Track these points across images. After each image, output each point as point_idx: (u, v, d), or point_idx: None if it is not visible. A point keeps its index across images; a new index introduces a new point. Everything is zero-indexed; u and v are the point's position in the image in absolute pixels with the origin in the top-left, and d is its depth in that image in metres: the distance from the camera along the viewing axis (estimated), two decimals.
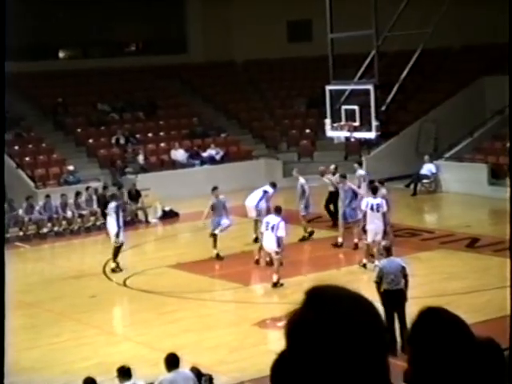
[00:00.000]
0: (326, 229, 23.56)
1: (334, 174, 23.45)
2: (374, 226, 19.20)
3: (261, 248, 19.63)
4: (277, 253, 18.58)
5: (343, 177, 22.23)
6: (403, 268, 14.16)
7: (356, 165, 25.20)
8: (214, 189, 21.54)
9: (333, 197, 23.33)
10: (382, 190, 20.62)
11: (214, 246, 20.99)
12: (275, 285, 18.41)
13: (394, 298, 13.74)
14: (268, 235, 18.55)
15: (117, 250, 20.64)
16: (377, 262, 16.82)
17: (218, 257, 21.04)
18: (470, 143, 31.03)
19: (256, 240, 21.21)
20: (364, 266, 19.35)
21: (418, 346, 2.45)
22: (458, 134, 31.04)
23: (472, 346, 2.46)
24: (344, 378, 2.05)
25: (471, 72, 33.95)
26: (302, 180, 22.80)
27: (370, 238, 19.34)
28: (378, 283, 14.05)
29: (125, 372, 11.19)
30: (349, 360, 2.05)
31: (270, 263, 19.25)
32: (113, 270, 20.48)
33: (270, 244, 18.62)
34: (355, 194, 21.63)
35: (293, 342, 2.10)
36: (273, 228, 18.34)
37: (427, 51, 25.00)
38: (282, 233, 18.37)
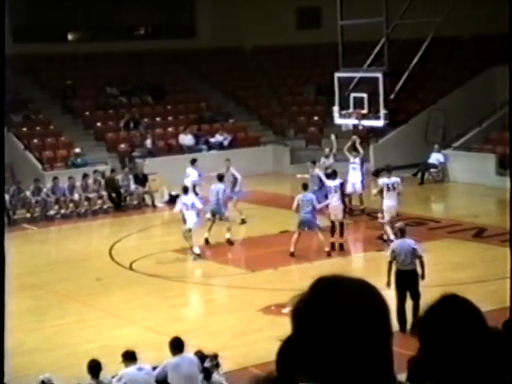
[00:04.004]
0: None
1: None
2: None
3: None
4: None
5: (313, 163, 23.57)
6: (414, 249, 14.47)
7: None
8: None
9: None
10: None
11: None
12: (342, 247, 19.92)
13: (406, 277, 14.26)
14: (334, 200, 19.96)
15: None
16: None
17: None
18: (478, 133, 30.92)
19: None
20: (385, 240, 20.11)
21: (431, 332, 2.44)
22: (466, 124, 30.95)
23: (485, 336, 2.46)
24: (348, 363, 2.07)
25: (481, 61, 33.79)
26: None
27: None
28: (391, 263, 14.52)
29: (130, 356, 11.20)
30: (353, 346, 2.09)
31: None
32: None
33: (338, 209, 20.07)
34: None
35: (299, 327, 2.12)
36: (336, 191, 20.06)
37: (438, 40, 24.85)
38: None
